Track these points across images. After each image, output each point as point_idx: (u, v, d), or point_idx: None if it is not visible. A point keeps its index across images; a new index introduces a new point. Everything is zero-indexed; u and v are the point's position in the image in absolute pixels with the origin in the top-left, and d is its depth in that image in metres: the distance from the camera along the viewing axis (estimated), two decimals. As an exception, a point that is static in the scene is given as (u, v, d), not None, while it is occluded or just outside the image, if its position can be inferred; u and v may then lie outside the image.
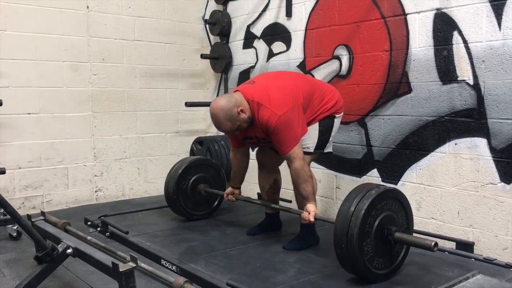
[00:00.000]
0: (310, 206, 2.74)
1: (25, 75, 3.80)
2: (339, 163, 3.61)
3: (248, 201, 3.29)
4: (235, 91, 2.89)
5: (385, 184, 3.26)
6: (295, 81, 2.92)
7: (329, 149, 3.02)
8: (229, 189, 3.28)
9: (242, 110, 2.74)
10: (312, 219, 2.71)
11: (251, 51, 4.33)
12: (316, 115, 2.89)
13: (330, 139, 2.98)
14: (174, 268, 2.56)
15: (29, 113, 3.84)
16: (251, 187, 4.36)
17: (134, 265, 2.01)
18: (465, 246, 2.84)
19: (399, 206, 2.45)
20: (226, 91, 4.56)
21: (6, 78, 3.70)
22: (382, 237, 2.35)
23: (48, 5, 3.87)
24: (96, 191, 4.24)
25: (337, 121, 2.98)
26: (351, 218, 2.28)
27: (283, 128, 2.71)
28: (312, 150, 2.91)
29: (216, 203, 3.71)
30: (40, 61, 3.86)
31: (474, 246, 2.83)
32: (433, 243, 2.20)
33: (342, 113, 3.03)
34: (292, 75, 3.14)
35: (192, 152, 4.52)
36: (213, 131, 4.85)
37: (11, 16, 3.70)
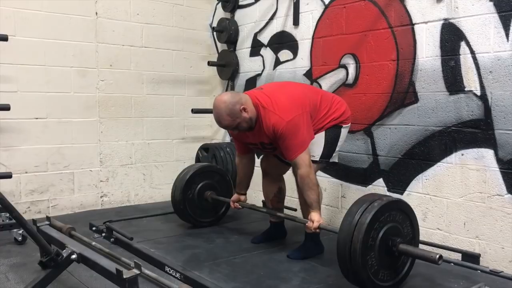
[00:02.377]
0: (314, 215, 2.73)
1: (33, 80, 3.83)
2: (344, 172, 3.60)
3: (253, 209, 3.29)
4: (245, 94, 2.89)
5: (390, 194, 3.25)
6: (303, 91, 2.92)
7: (335, 159, 3.00)
8: (235, 196, 3.28)
9: (244, 109, 2.73)
10: (315, 229, 2.70)
11: (258, 59, 4.34)
12: (323, 124, 2.89)
13: (337, 149, 2.96)
14: (178, 275, 2.55)
15: (37, 118, 3.86)
16: (256, 194, 4.35)
17: (138, 272, 2.01)
18: (471, 257, 2.81)
19: (404, 216, 2.42)
20: (232, 98, 4.57)
21: (14, 83, 3.73)
22: (386, 249, 2.32)
23: (57, 11, 3.90)
24: (101, 197, 4.25)
25: (344, 131, 2.97)
26: (354, 232, 2.24)
27: (290, 133, 2.70)
28: (317, 159, 2.90)
29: (223, 210, 3.71)
30: (49, 66, 3.89)
31: (480, 258, 2.81)
32: (437, 256, 2.17)
33: (349, 124, 3.02)
34: (300, 85, 3.16)
35: (197, 159, 4.53)
36: (219, 138, 4.87)
37: (21, 22, 3.74)
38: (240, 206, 3.25)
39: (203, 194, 3.58)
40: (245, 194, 3.27)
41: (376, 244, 2.28)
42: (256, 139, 2.91)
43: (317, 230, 2.73)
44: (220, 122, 2.80)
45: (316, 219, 2.70)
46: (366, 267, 2.26)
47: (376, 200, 2.33)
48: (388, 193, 3.29)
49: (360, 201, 2.39)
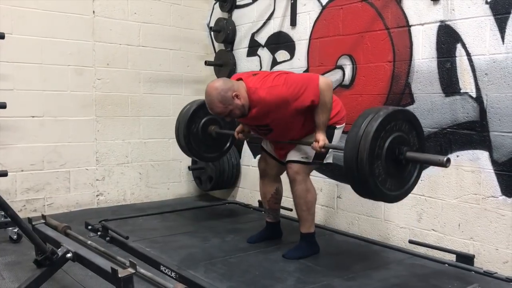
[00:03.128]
0: (319, 135, 2.73)
1: (30, 78, 3.82)
2: (340, 172, 3.61)
3: (253, 143, 3.23)
4: (238, 79, 2.84)
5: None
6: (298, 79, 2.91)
7: (329, 160, 3.00)
8: (239, 127, 3.24)
9: (237, 96, 2.70)
10: (321, 148, 2.71)
11: (255, 59, 4.35)
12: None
13: (330, 149, 2.95)
14: (173, 274, 2.55)
15: (33, 116, 3.86)
16: (252, 194, 4.36)
17: (133, 271, 2.02)
18: (466, 258, 2.83)
19: (410, 126, 2.39)
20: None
21: (11, 81, 3.73)
22: (393, 158, 2.31)
23: (55, 9, 3.90)
24: (97, 195, 4.25)
25: (337, 132, 2.96)
26: (360, 142, 2.23)
27: (289, 86, 2.67)
28: (310, 160, 2.90)
29: (227, 145, 3.70)
30: (45, 64, 3.88)
31: (475, 259, 2.82)
32: (445, 159, 2.16)
33: (343, 124, 3.01)
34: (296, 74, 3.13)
35: (194, 160, 4.53)
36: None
37: (18, 20, 3.73)
38: (244, 137, 3.24)
39: (207, 129, 3.55)
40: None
41: (383, 153, 2.27)
42: (250, 121, 2.90)
43: (323, 150, 2.75)
44: (212, 109, 2.78)
45: (321, 138, 2.72)
46: (374, 175, 2.25)
47: (382, 110, 2.31)
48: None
49: (366, 112, 2.36)
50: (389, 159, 2.30)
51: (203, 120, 3.54)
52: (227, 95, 2.70)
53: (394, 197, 2.41)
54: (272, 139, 3.03)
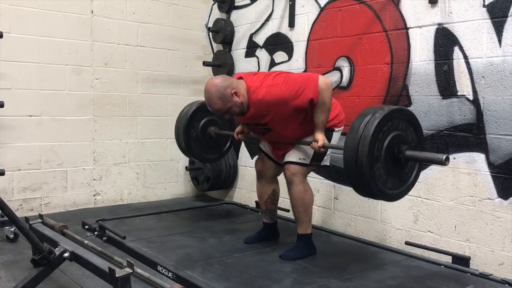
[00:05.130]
0: (318, 135, 2.74)
1: (27, 78, 3.82)
2: (337, 173, 3.62)
3: (251, 143, 3.24)
4: (238, 78, 2.86)
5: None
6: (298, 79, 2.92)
7: (326, 162, 3.01)
8: (239, 128, 3.25)
9: (236, 93, 2.72)
10: (320, 148, 2.72)
11: (253, 59, 4.35)
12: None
13: (328, 152, 2.95)
14: (170, 274, 2.56)
15: (31, 115, 3.85)
16: (249, 195, 4.37)
17: (131, 270, 2.02)
18: (461, 260, 2.84)
19: (407, 124, 2.41)
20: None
21: (9, 79, 3.72)
22: (393, 157, 2.33)
23: (53, 8, 3.89)
24: (94, 195, 4.25)
25: (336, 135, 2.98)
26: (358, 146, 2.25)
27: (289, 86, 2.68)
28: (308, 162, 2.91)
29: (227, 145, 3.71)
30: (43, 64, 3.88)
31: (470, 261, 2.84)
32: (444, 157, 2.18)
33: (342, 127, 3.02)
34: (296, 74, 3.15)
35: (191, 161, 4.53)
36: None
37: (16, 19, 3.73)
38: (243, 138, 3.25)
39: (206, 130, 3.56)
40: None
41: (382, 154, 2.29)
42: (249, 120, 2.91)
43: (322, 149, 2.76)
44: (211, 106, 2.79)
45: (320, 138, 2.73)
46: (375, 178, 2.27)
47: (378, 111, 2.32)
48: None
49: (362, 114, 2.37)
50: (389, 159, 2.33)
51: (202, 121, 3.55)
52: (226, 92, 2.70)
53: (396, 195, 2.45)
54: (270, 139, 3.04)
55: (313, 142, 2.75)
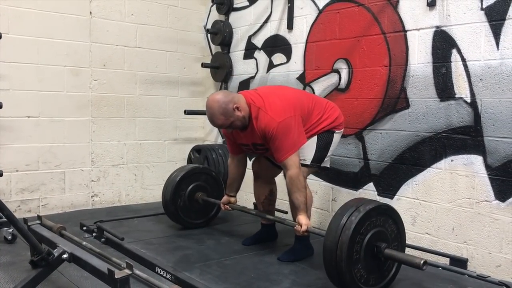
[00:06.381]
0: (301, 219, 2.74)
1: (26, 79, 3.81)
2: (336, 175, 3.63)
3: (243, 211, 3.30)
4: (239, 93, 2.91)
5: (380, 198, 3.28)
6: (297, 95, 2.95)
7: (326, 164, 3.02)
8: (225, 198, 3.29)
9: (237, 108, 2.75)
10: (304, 232, 2.73)
11: (251, 61, 4.36)
12: (316, 130, 2.91)
13: (328, 153, 2.97)
14: (168, 276, 2.56)
15: (29, 117, 3.85)
16: (247, 196, 4.37)
17: (130, 272, 2.02)
18: (459, 262, 2.85)
19: (385, 218, 2.39)
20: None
21: (7, 80, 3.72)
22: (372, 255, 2.34)
23: (51, 9, 3.90)
24: (92, 196, 4.24)
25: (336, 137, 2.99)
26: (337, 251, 2.24)
27: (281, 134, 2.72)
28: (308, 163, 2.92)
29: (213, 211, 3.71)
30: (42, 65, 3.88)
31: (468, 263, 2.85)
32: (421, 262, 2.18)
33: (342, 130, 3.04)
34: (294, 89, 3.18)
35: (189, 160, 4.53)
36: (211, 140, 4.88)
37: (14, 20, 3.73)
38: (230, 208, 3.26)
39: (193, 196, 3.58)
40: (235, 196, 3.28)
41: (361, 255, 2.29)
42: (249, 139, 2.92)
43: (306, 233, 2.76)
44: (213, 122, 2.81)
45: (304, 222, 2.72)
46: (355, 280, 2.27)
47: (353, 214, 2.29)
48: (378, 198, 3.32)
49: (337, 216, 2.34)
50: (369, 257, 2.32)
51: (190, 187, 3.56)
52: (228, 107, 2.74)
53: None
54: (270, 156, 3.05)
55: (297, 226, 2.76)
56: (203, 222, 3.67)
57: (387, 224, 2.41)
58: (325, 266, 2.34)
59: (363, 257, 2.30)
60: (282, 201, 3.62)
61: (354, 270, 2.27)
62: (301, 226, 2.71)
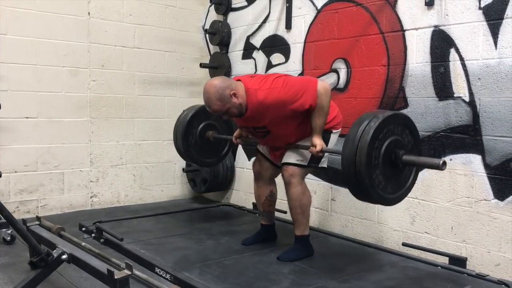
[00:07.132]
0: (316, 140, 2.76)
1: (24, 79, 3.81)
2: (334, 175, 3.63)
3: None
4: (237, 80, 2.87)
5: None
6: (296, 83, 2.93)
7: (324, 164, 3.01)
8: (237, 132, 3.24)
9: (234, 94, 2.73)
10: (318, 152, 2.74)
11: (250, 61, 4.36)
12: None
13: (326, 154, 2.95)
14: (168, 276, 2.55)
15: (27, 117, 3.84)
16: (246, 197, 4.37)
17: (129, 272, 2.02)
18: (458, 261, 2.85)
19: (402, 127, 2.41)
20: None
21: (5, 81, 3.71)
22: (390, 163, 2.34)
23: (50, 10, 3.89)
24: (91, 197, 4.24)
25: (333, 137, 2.99)
26: (356, 156, 2.25)
27: (287, 89, 2.69)
28: (306, 163, 2.92)
29: (225, 150, 3.71)
30: (40, 65, 3.87)
31: (467, 262, 2.85)
32: (441, 162, 2.19)
33: (340, 129, 3.04)
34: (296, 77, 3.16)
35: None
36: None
37: (12, 21, 3.72)
38: (242, 142, 3.26)
39: (204, 134, 3.56)
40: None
41: (379, 161, 2.30)
42: (248, 122, 2.92)
43: (320, 154, 2.77)
44: (209, 107, 2.79)
45: (318, 142, 2.74)
46: (374, 185, 2.29)
47: (372, 120, 2.32)
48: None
49: (356, 123, 2.36)
50: (387, 165, 2.34)
51: (201, 126, 3.55)
52: (225, 93, 2.72)
53: (395, 198, 2.46)
54: (269, 141, 3.04)
55: (311, 147, 2.76)
56: (216, 161, 3.68)
57: (404, 134, 2.42)
58: (343, 173, 2.35)
59: (381, 163, 2.30)
60: (280, 201, 3.61)
61: (373, 175, 2.27)
62: (315, 147, 2.73)
